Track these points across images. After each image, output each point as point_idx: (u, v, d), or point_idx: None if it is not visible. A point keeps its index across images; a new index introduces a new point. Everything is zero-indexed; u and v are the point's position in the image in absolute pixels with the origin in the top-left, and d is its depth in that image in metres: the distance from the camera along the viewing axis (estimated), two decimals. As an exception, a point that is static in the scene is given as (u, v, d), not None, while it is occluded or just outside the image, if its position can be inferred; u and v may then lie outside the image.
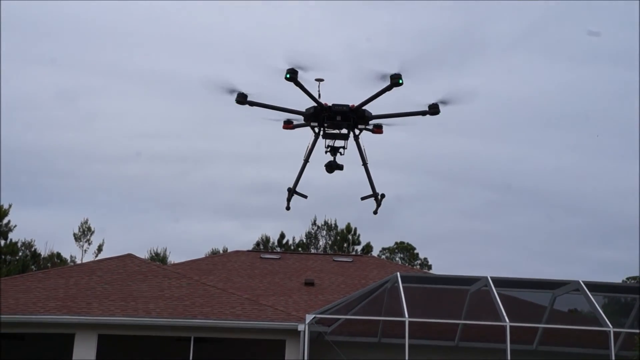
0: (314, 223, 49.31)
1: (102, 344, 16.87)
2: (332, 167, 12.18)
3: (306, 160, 12.34)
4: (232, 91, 11.72)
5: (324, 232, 49.25)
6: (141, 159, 57.49)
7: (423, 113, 11.86)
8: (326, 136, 12.05)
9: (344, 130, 11.97)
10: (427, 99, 11.96)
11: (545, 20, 54.60)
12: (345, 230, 48.40)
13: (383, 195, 12.69)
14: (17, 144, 53.51)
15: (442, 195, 62.20)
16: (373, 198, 12.77)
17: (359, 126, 12.02)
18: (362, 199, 12.86)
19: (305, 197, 12.66)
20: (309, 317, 16.70)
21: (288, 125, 12.20)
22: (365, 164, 12.42)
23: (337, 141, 12.09)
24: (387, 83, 11.09)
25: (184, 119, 59.84)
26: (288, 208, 12.71)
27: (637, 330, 16.54)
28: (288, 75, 11.01)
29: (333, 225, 49.13)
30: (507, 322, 15.76)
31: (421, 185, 61.60)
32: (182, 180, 59.74)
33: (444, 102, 11.83)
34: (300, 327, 16.57)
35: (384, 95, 11.42)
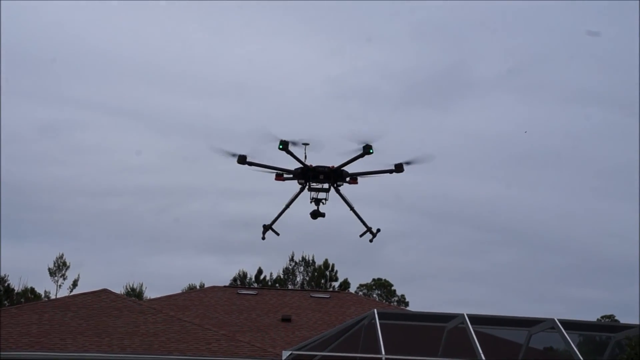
0: (292, 259, 49.21)
1: (75, 381, 16.62)
2: (316, 215, 14.54)
3: (287, 206, 14.71)
4: (233, 154, 13.92)
5: (302, 268, 49.12)
6: (124, 190, 57.23)
7: (390, 171, 14.24)
8: (311, 190, 14.40)
9: (326, 185, 14.36)
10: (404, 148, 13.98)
11: (527, 61, 55.74)
12: (322, 267, 48.32)
13: (379, 230, 15.02)
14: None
15: (423, 233, 62.51)
16: (368, 232, 15.07)
17: (338, 182, 14.37)
18: (360, 236, 15.11)
19: (278, 234, 15.00)
20: (285, 354, 16.60)
21: (279, 177, 14.50)
22: (352, 209, 14.78)
23: (320, 194, 14.46)
24: (361, 151, 13.47)
25: (167, 153, 59.89)
26: (264, 238, 15.07)
27: (612, 368, 16.64)
28: (281, 146, 13.40)
29: (311, 261, 49.04)
30: (484, 360, 15.78)
31: (402, 223, 61.88)
32: (163, 215, 59.51)
33: (408, 163, 14.12)
34: (277, 364, 16.48)
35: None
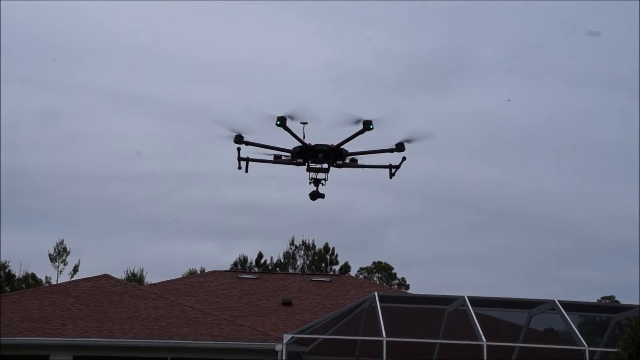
0: (292, 243, 49.26)
1: (77, 365, 16.67)
2: (315, 196, 14.12)
3: (276, 160, 14.10)
4: (231, 131, 13.46)
5: (302, 252, 49.19)
6: (124, 176, 57.20)
7: (391, 150, 13.81)
8: (310, 170, 14.02)
9: (325, 165, 13.95)
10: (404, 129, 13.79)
11: (530, 44, 55.46)
12: (323, 250, 48.38)
13: (404, 158, 14.08)
14: (-3, 164, 53.00)
15: (423, 217, 62.48)
16: (393, 169, 14.29)
17: (337, 162, 13.96)
18: (391, 177, 14.39)
19: (244, 170, 14.05)
20: (286, 337, 16.65)
21: (278, 160, 14.15)
22: (362, 166, 14.21)
23: (319, 174, 14.07)
24: (361, 127, 13.00)
25: (166, 139, 59.78)
26: (240, 167, 14.07)
27: (612, 350, 16.67)
28: (278, 122, 12.87)
29: (311, 245, 49.09)
30: (484, 342, 15.82)
31: (403, 207, 61.87)
32: (163, 201, 59.49)
33: (409, 141, 13.67)
34: (278, 347, 16.53)
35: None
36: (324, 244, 48.59)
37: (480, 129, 59.31)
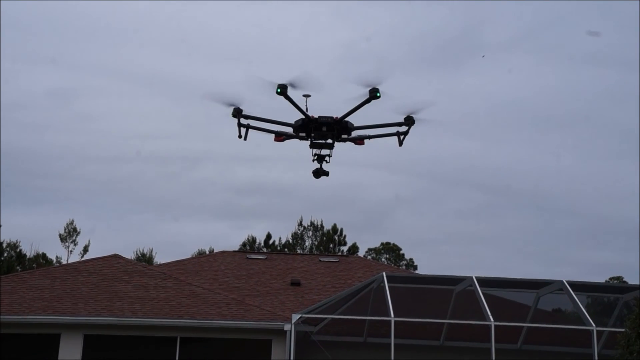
0: (300, 224, 49.40)
1: (87, 344, 16.84)
2: (319, 173, 13.30)
3: (277, 138, 13.22)
4: (229, 104, 12.69)
5: (310, 233, 49.33)
6: (137, 158, 57.33)
7: (399, 124, 12.95)
8: (313, 146, 13.14)
9: (329, 140, 13.03)
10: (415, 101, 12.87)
11: (543, 21, 54.96)
12: (331, 231, 48.51)
13: (414, 121, 13.12)
14: (9, 144, 53.29)
15: (433, 197, 62.47)
16: (401, 136, 13.29)
17: (342, 136, 13.05)
18: (400, 144, 13.37)
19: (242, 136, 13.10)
20: (295, 317, 16.75)
21: (279, 137, 13.28)
22: (369, 137, 13.27)
23: (323, 150, 13.18)
24: (366, 97, 12.04)
25: (178, 119, 59.80)
26: (240, 136, 13.13)
27: (620, 329, 16.72)
28: (279, 90, 11.92)
29: (319, 226, 49.22)
30: (492, 322, 15.89)
31: (414, 187, 61.86)
32: (174, 181, 59.68)
33: (416, 114, 12.86)
34: (287, 327, 16.63)
35: (369, 106, 12.29)
36: (332, 225, 48.74)
37: (491, 108, 59.03)
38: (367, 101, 12.13)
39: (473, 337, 18.47)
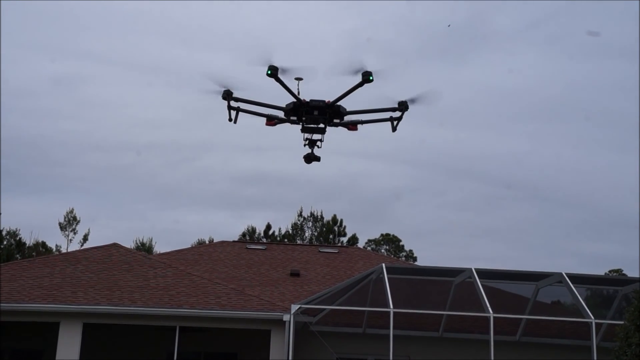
0: (300, 214, 49.41)
1: (87, 333, 16.86)
2: (310, 158, 13.09)
3: (269, 122, 12.97)
4: (222, 86, 12.50)
5: (310, 224, 49.34)
6: (138, 152, 57.28)
7: (393, 109, 12.77)
8: (304, 130, 12.88)
9: (321, 125, 12.77)
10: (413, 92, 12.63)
11: (547, 14, 54.78)
12: (331, 222, 48.51)
13: (407, 107, 12.96)
14: (12, 131, 53.21)
15: (434, 188, 62.48)
16: (395, 122, 13.07)
17: (335, 120, 12.80)
18: (394, 130, 13.18)
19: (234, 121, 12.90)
20: (294, 308, 16.76)
21: (270, 122, 13.00)
22: (363, 122, 13.05)
23: (314, 135, 12.92)
24: (359, 80, 11.80)
25: (181, 108, 59.70)
26: (230, 119, 12.93)
27: (619, 322, 16.72)
28: (269, 72, 11.71)
29: (319, 217, 49.22)
30: (491, 313, 15.89)
31: (415, 178, 61.82)
32: (175, 170, 59.66)
33: (413, 100, 12.65)
34: (286, 318, 16.64)
35: (365, 92, 12.22)
36: (332, 215, 48.75)
37: (492, 100, 58.93)
38: (360, 85, 11.92)
39: (472, 329, 18.49)
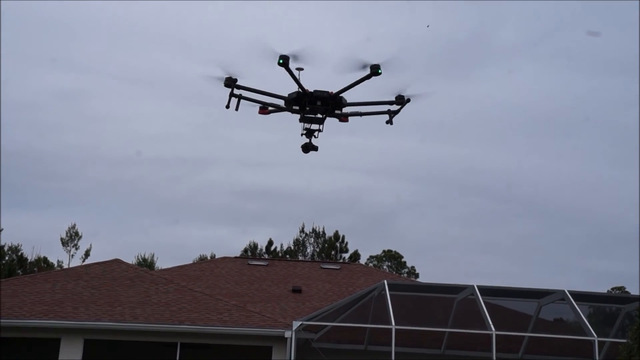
0: (302, 230, 49.35)
1: (88, 349, 16.81)
2: (308, 148, 13.13)
3: (266, 110, 12.98)
4: (227, 74, 12.44)
5: (312, 240, 49.28)
6: (140, 159, 57.33)
7: (390, 102, 12.88)
8: (303, 120, 12.97)
9: (319, 115, 12.89)
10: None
11: (550, 29, 54.94)
12: (333, 238, 48.45)
13: (408, 100, 13.03)
14: (14, 145, 53.36)
15: (437, 204, 62.34)
16: (392, 115, 13.11)
17: (336, 112, 12.92)
18: (390, 122, 13.20)
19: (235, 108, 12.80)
20: (296, 324, 16.72)
21: (263, 110, 12.99)
22: (360, 114, 13.14)
23: (313, 125, 13.02)
24: (367, 72, 11.90)
25: (183, 122, 59.79)
26: (228, 107, 12.83)
27: (622, 340, 16.65)
28: (281, 61, 11.74)
29: (321, 233, 49.18)
30: (494, 331, 15.84)
31: (417, 193, 61.76)
32: (178, 185, 59.69)
33: (409, 99, 12.79)
34: (287, 334, 16.59)
35: (364, 88, 12.36)
36: (334, 231, 48.70)
37: (498, 115, 58.99)
38: (368, 77, 11.99)
39: (474, 346, 18.41)
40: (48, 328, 16.68)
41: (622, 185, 59.43)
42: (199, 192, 60.44)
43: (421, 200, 61.77)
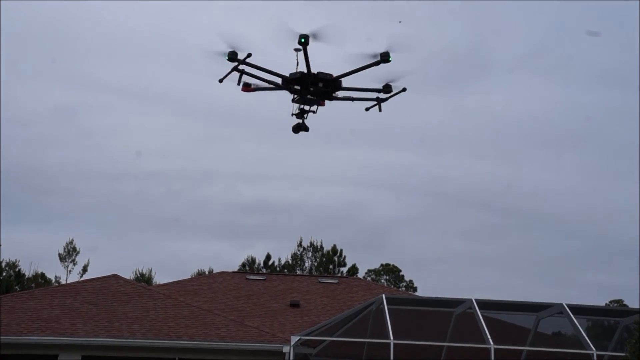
0: (300, 244, 49.30)
1: (85, 365, 16.77)
2: (299, 128, 13.04)
3: (247, 84, 12.77)
4: (229, 50, 12.18)
5: (310, 254, 49.21)
6: (138, 174, 57.27)
7: (378, 90, 12.82)
8: (299, 101, 12.85)
9: (314, 97, 12.77)
10: None
11: (548, 42, 55.17)
12: (331, 252, 48.39)
13: (404, 89, 12.95)
14: (12, 160, 53.31)
15: (434, 217, 62.33)
16: (378, 104, 13.09)
17: (333, 95, 12.83)
18: (378, 109, 13.15)
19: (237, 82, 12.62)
20: (294, 339, 16.69)
21: (247, 87, 12.78)
22: (353, 99, 13.09)
23: (306, 105, 12.91)
24: (377, 59, 11.86)
25: (182, 137, 59.81)
26: (221, 81, 12.61)
27: (620, 354, 16.63)
28: (302, 40, 11.59)
29: (319, 247, 49.12)
30: (492, 345, 15.81)
31: (414, 207, 61.73)
32: (177, 199, 59.61)
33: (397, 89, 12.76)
34: (286, 349, 16.56)
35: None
36: (332, 245, 48.65)
37: (496, 128, 59.09)
38: (376, 64, 11.97)
39: (473, 360, 18.37)
40: (45, 345, 16.63)
41: (621, 198, 59.49)
42: (197, 206, 60.40)
43: (419, 214, 61.80)
